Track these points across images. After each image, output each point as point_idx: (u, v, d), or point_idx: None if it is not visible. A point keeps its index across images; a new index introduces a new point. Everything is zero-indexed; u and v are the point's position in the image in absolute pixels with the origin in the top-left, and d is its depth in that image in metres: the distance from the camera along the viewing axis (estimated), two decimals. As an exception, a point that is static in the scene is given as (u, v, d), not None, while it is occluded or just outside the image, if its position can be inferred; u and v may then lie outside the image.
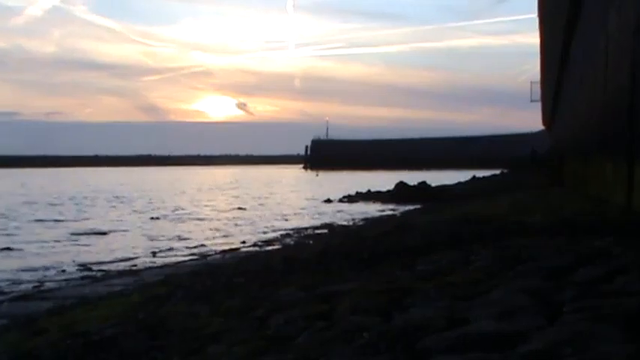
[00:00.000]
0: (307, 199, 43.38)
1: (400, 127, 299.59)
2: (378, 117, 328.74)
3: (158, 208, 35.82)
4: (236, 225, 26.29)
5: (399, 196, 38.97)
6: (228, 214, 31.74)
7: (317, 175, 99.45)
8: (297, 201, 42.30)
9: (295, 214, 32.04)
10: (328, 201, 40.65)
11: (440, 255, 6.60)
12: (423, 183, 41.37)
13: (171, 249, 18.98)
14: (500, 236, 7.47)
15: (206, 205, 38.31)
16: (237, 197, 46.95)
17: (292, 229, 23.91)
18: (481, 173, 57.60)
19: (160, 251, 18.51)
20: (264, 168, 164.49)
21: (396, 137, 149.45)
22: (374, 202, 39.59)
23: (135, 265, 15.74)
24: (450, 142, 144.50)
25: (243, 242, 20.28)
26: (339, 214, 30.97)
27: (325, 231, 22.35)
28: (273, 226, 25.84)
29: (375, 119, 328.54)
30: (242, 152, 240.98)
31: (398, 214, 29.46)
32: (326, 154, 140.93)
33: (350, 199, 42.00)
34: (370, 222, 25.31)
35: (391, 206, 35.97)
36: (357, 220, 27.19)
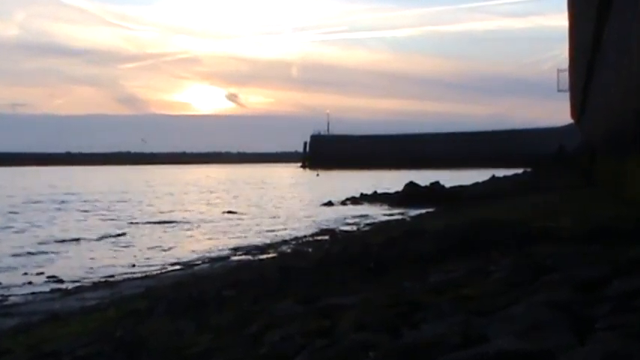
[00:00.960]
0: (306, 202, 43.55)
1: (410, 121, 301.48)
2: (385, 110, 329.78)
3: (138, 213, 35.93)
4: (226, 231, 26.36)
5: (409, 199, 39.00)
6: (218, 219, 31.77)
7: (317, 174, 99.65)
8: (294, 204, 42.35)
9: (292, 218, 32.08)
10: (329, 204, 40.73)
11: (454, 264, 6.60)
12: (436, 184, 41.43)
13: (152, 258, 19.06)
14: (523, 243, 7.47)
15: (192, 209, 38.35)
16: (227, 200, 47.01)
17: (289, 236, 23.99)
18: (501, 172, 57.67)
19: (141, 261, 18.59)
20: (258, 167, 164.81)
21: (405, 132, 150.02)
22: (380, 205, 39.73)
23: (112, 277, 15.80)
24: (466, 138, 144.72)
25: (234, 250, 20.37)
26: (341, 219, 31.02)
27: (326, 237, 22.42)
28: (267, 232, 25.91)
29: (381, 112, 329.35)
30: (233, 149, 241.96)
31: (407, 219, 29.41)
32: (327, 151, 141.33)
33: (354, 201, 42.14)
34: (376, 227, 25.27)
35: (400, 210, 36.03)
36: (361, 226, 27.29)
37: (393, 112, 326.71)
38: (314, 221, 30.17)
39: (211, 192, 58.01)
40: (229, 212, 35.22)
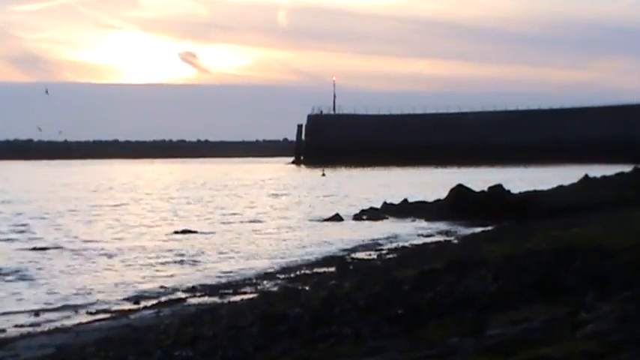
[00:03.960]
0: (301, 216, 43.53)
1: (453, 93, 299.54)
2: (415, 75, 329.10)
3: (48, 235, 35.90)
4: (179, 260, 26.37)
5: (457, 211, 38.97)
6: (167, 242, 31.78)
7: (323, 174, 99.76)
8: (283, 219, 42.37)
9: (281, 240, 32.07)
10: (336, 218, 40.77)
11: (526, 311, 6.59)
12: (497, 188, 41.38)
13: (68, 301, 19.07)
14: (634, 280, 7.49)
15: (129, 228, 38.38)
16: (181, 213, 47.03)
17: (276, 266, 23.98)
18: (598, 171, 57.46)
19: (49, 306, 18.57)
20: (229, 163, 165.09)
21: (446, 110, 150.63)
22: (413, 219, 39.76)
23: (3, 331, 15.84)
24: (542, 119, 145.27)
25: (192, 289, 20.36)
26: (354, 241, 30.88)
27: (331, 269, 22.34)
28: (242, 260, 25.92)
29: (411, 79, 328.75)
30: (190, 137, 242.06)
31: (454, 241, 29.19)
32: (331, 138, 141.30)
33: (373, 214, 42.22)
34: (407, 254, 25.09)
35: (442, 226, 35.89)
36: (384, 251, 27.05)
37: (428, 78, 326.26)
38: (313, 245, 30.09)
39: (157, 201, 58.01)
40: (185, 232, 35.17)
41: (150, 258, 27.03)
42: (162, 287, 20.99)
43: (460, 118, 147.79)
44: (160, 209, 50.19)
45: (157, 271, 24.20)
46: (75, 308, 18.28)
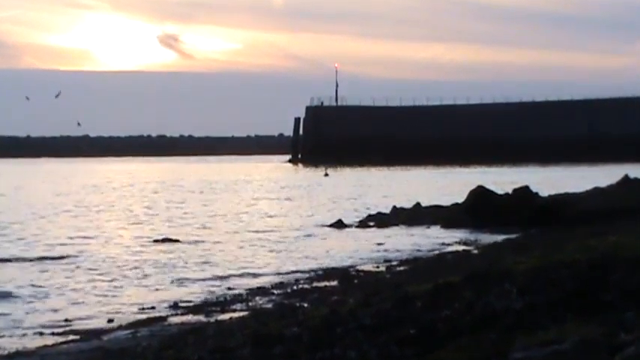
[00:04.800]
0: (299, 222, 43.63)
1: (474, 81, 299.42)
2: (430, 61, 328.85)
3: (9, 243, 35.94)
4: (160, 272, 26.43)
5: (476, 216, 38.96)
6: (145, 252, 31.82)
7: (326, 174, 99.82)
8: (279, 226, 42.43)
9: (276, 250, 32.11)
10: (339, 225, 40.84)
11: (556, 331, 6.61)
12: (523, 190, 41.32)
13: (32, 320, 19.05)
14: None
15: (104, 237, 38.36)
16: (163, 220, 47.04)
17: (271, 281, 23.96)
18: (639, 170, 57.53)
19: (8, 325, 18.53)
20: (217, 162, 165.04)
21: (466, 101, 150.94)
22: (427, 226, 39.77)
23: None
24: (576, 110, 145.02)
25: (174, 305, 20.36)
26: (359, 251, 30.95)
27: (333, 283, 22.35)
28: (231, 273, 25.91)
29: (424, 66, 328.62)
30: (171, 132, 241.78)
31: (474, 251, 29.21)
32: (333, 133, 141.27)
33: (380, 220, 42.26)
34: (420, 266, 25.12)
35: (460, 234, 35.90)
36: (393, 263, 27.04)
37: (443, 65, 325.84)
38: (313, 255, 30.13)
39: (136, 206, 58.01)
40: (165, 241, 35.20)
41: (125, 270, 27.02)
42: (139, 304, 20.92)
43: (481, 110, 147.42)
44: (136, 215, 50.16)
45: (134, 285, 24.18)
46: (39, 328, 18.20)
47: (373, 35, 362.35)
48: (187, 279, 25.13)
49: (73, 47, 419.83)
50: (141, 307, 20.52)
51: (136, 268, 27.60)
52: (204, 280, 24.93)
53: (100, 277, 25.85)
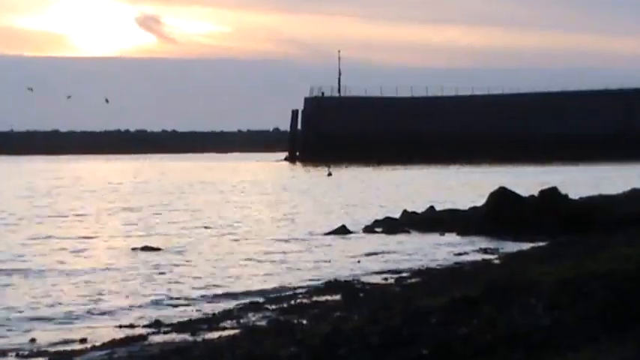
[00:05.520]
0: (297, 229, 43.79)
1: (496, 68, 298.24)
2: (446, 46, 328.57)
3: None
4: (139, 285, 26.45)
5: (498, 221, 38.97)
6: (123, 262, 31.81)
7: (329, 173, 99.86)
8: (274, 232, 42.50)
9: (271, 260, 32.13)
10: (342, 231, 40.88)
11: (589, 351, 6.68)
12: (551, 192, 41.31)
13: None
14: None
15: (74, 244, 38.34)
16: (143, 226, 47.07)
17: (264, 294, 24.03)
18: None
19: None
20: (203, 160, 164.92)
21: (487, 91, 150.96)
22: (442, 233, 39.92)
23: None
24: (612, 101, 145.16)
25: (155, 323, 20.35)
26: (365, 260, 31.08)
27: (336, 297, 22.42)
28: (222, 285, 26.00)
29: (440, 51, 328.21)
30: (152, 126, 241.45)
31: (495, 260, 29.32)
32: (335, 128, 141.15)
33: (389, 226, 42.33)
34: (434, 277, 25.17)
35: (479, 241, 36.00)
36: (404, 274, 27.09)
37: (461, 51, 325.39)
38: (312, 266, 30.23)
39: (112, 210, 57.98)
40: (145, 249, 35.22)
41: (100, 283, 27.01)
42: (115, 320, 20.94)
43: (502, 101, 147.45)
44: (111, 221, 50.17)
45: (109, 299, 24.14)
46: (2, 350, 18.17)
47: (381, 17, 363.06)
48: (170, 292, 25.13)
49: (40, 30, 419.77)
50: (117, 324, 20.51)
51: (111, 280, 27.59)
52: (189, 293, 24.92)
53: (71, 289, 25.84)
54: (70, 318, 21.52)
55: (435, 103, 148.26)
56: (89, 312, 22.35)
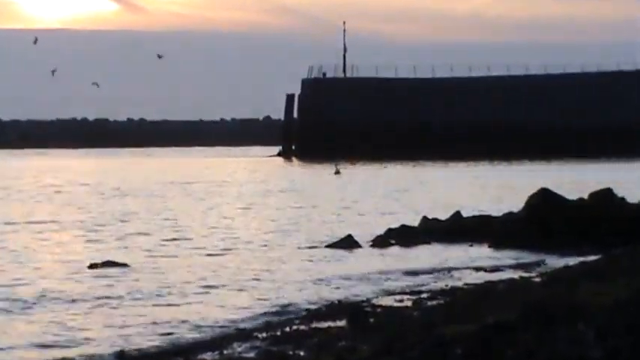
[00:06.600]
0: (294, 240, 44.06)
1: (531, 44, 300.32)
2: (471, 18, 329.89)
3: None
4: (100, 309, 26.52)
5: (539, 230, 39.08)
6: (80, 281, 31.92)
7: (337, 171, 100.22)
8: (266, 244, 42.62)
9: (261, 278, 32.24)
10: (349, 243, 40.90)
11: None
12: (604, 194, 41.38)
13: None
14: None
15: (22, 261, 38.36)
16: (101, 237, 47.14)
17: (255, 320, 24.17)
18: None
19: None
20: (178, 156, 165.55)
21: (525, 71, 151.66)
22: (470, 244, 40.30)
23: None
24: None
25: (119, 355, 20.38)
26: (375, 277, 31.30)
27: (340, 323, 22.51)
28: (199, 309, 26.06)
29: (463, 24, 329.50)
30: (116, 114, 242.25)
31: (535, 278, 29.25)
32: (339, 115, 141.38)
33: (404, 236, 42.54)
34: (461, 298, 25.16)
35: (516, 255, 36.23)
36: (424, 295, 27.24)
37: (489, 23, 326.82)
38: (311, 285, 30.40)
39: (63, 215, 58.22)
40: (107, 264, 35.30)
41: (53, 306, 27.04)
42: (73, 351, 21.01)
43: (543, 83, 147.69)
44: (66, 230, 50.35)
45: (64, 327, 24.12)
46: None
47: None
48: (138, 317, 25.15)
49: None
50: (78, 354, 20.58)
51: (66, 302, 27.62)
52: (160, 317, 24.93)
53: (18, 316, 25.85)
54: (17, 350, 21.55)
55: (458, 86, 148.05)
56: (41, 342, 22.26)
